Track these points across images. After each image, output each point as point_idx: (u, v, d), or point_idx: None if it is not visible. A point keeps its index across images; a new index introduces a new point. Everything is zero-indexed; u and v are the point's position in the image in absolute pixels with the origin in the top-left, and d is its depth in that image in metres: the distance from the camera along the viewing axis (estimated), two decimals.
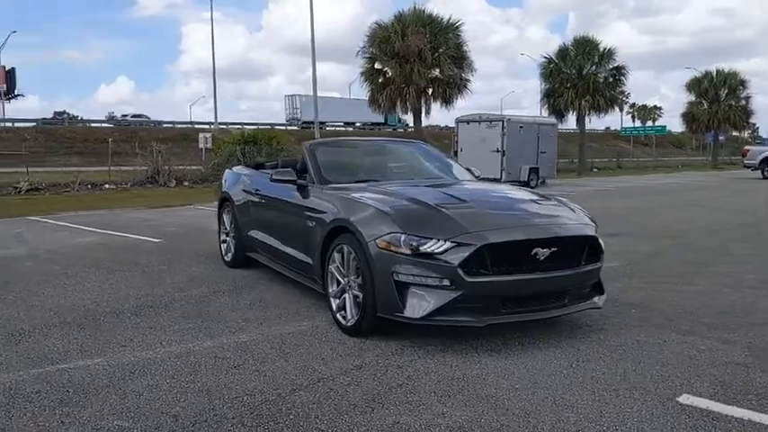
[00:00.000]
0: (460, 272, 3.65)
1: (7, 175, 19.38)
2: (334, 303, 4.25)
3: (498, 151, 19.49)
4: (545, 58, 32.51)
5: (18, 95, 57.94)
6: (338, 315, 4.21)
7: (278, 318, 4.56)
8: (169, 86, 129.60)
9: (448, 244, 3.69)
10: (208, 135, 29.71)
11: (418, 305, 3.72)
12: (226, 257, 6.53)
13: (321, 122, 26.65)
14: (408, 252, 3.72)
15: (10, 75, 55.33)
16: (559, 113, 32.41)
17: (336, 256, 4.22)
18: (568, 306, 4.09)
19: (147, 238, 8.63)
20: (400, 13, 23.23)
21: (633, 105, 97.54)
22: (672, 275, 6.17)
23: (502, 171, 19.41)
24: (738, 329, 4.34)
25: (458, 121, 21.16)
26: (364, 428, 2.80)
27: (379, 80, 23.29)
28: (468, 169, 5.81)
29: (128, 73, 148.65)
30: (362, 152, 5.93)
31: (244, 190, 6.14)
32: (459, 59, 23.30)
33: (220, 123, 47.32)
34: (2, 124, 43.85)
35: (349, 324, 4.09)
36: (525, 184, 19.65)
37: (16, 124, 44.36)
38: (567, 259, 4.01)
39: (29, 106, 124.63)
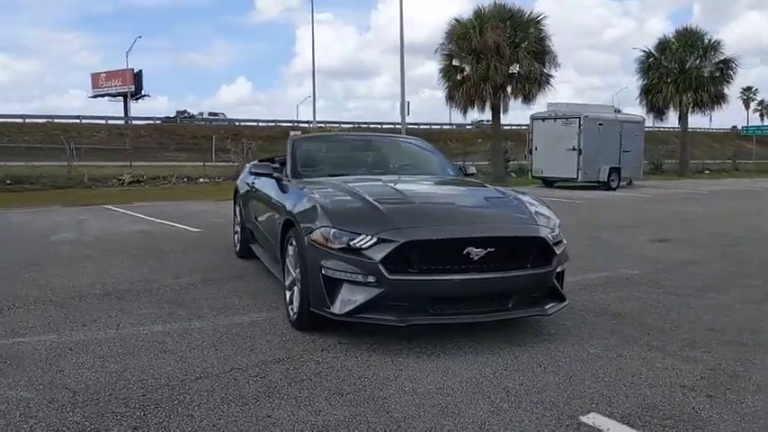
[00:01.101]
0: (382, 268, 3.59)
1: (117, 169, 20.98)
2: (287, 296, 4.32)
3: (574, 150, 18.72)
4: (643, 51, 30.78)
5: (144, 96, 62.78)
6: (289, 308, 4.28)
7: (244, 308, 4.69)
8: (282, 87, 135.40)
9: (374, 240, 3.64)
10: (297, 133, 30.66)
11: (343, 301, 3.70)
12: (236, 248, 6.78)
13: None
14: (336, 247, 3.71)
15: (137, 77, 59.98)
16: (659, 111, 30.62)
17: (289, 249, 4.29)
18: (512, 311, 3.91)
19: (191, 228, 9.10)
20: (480, 8, 22.84)
21: (762, 102, 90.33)
22: (694, 286, 5.72)
23: (578, 171, 18.64)
24: (717, 349, 3.97)
25: (533, 118, 20.54)
26: (233, 419, 2.84)
27: (457, 77, 23.00)
28: (461, 167, 5.71)
29: (246, 74, 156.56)
30: (345, 147, 5.98)
31: (246, 182, 6.35)
32: (541, 54, 22.53)
33: (319, 122, 48.55)
34: (132, 122, 47.40)
35: (294, 318, 4.15)
36: (605, 186, 18.77)
37: (136, 122, 47.71)
38: (509, 261, 3.84)
39: (158, 106, 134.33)
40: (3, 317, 4.38)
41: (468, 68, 22.55)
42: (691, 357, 3.80)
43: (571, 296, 5.14)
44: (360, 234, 3.68)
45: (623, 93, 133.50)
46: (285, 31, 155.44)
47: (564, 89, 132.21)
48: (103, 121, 45.63)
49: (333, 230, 3.76)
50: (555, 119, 19.58)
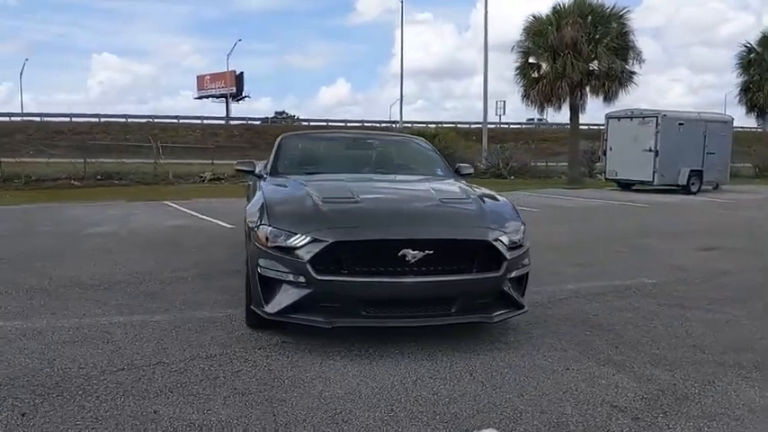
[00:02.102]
0: (310, 268, 3.52)
1: (202, 166, 22.05)
2: (246, 294, 4.34)
3: (650, 151, 17.62)
4: (745, 46, 28.51)
5: (245, 97, 65.66)
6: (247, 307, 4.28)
7: (214, 304, 4.74)
8: (380, 88, 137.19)
9: (307, 239, 3.58)
10: None
11: (275, 301, 3.66)
12: None
13: None
14: (272, 245, 3.68)
15: (239, 79, 62.87)
16: (760, 110, 28.29)
17: (249, 246, 4.30)
18: (455, 316, 3.72)
19: (227, 224, 9.34)
20: (559, 3, 21.95)
21: None
22: (709, 299, 5.23)
23: (654, 173, 17.53)
24: (683, 368, 3.60)
25: (608, 117, 19.54)
26: (117, 413, 2.86)
27: (532, 75, 22.27)
28: (457, 168, 5.52)
29: (345, 75, 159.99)
30: (331, 145, 5.91)
31: (248, 181, 6.45)
32: (623, 50, 21.35)
33: (407, 122, 48.67)
34: (230, 122, 49.72)
35: (246, 316, 4.15)
36: (684, 189, 17.57)
37: (235, 122, 49.86)
38: (451, 264, 3.65)
39: (261, 107, 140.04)
40: (52, 297, 4.73)
41: (544, 66, 21.79)
42: (645, 375, 3.47)
43: (559, 304, 4.89)
44: (296, 233, 3.63)
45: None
46: (384, 31, 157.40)
47: (676, 87, 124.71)
48: (199, 121, 48.04)
49: (270, 229, 3.73)
50: (631, 118, 18.54)
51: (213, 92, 63.93)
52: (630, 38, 21.71)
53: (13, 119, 43.48)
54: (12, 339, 3.85)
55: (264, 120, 56.91)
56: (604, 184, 19.92)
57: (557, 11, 21.84)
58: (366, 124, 53.20)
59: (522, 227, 4.06)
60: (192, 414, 2.87)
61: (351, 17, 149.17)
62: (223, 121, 52.05)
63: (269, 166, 5.13)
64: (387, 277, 3.55)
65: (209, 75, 64.73)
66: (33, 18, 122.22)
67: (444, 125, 56.04)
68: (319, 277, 3.51)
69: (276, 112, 71.90)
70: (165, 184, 18.64)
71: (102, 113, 46.20)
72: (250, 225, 3.95)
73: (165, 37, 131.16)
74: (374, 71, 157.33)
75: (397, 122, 48.08)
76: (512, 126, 52.29)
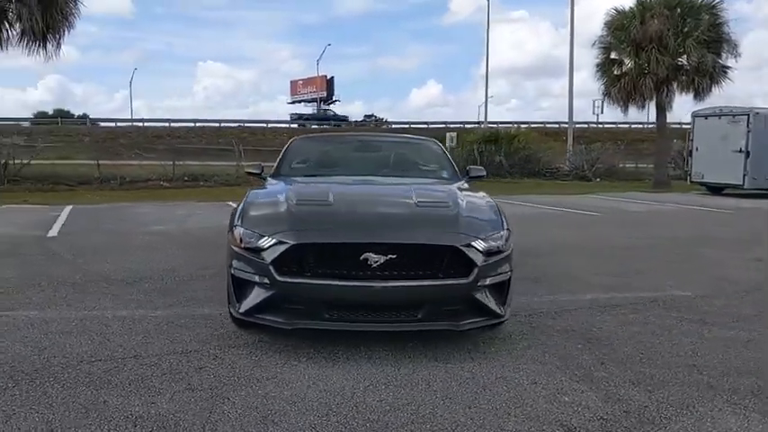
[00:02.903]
0: (273, 270, 3.57)
1: None
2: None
3: (741, 152, 16.38)
4: None
5: (335, 101, 67.42)
6: None
7: (214, 301, 4.75)
8: (472, 88, 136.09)
9: (272, 241, 3.63)
10: (453, 134, 30.72)
11: (246, 301, 3.74)
12: None
13: None
14: (242, 247, 3.76)
15: (329, 83, 64.67)
16: None
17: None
18: (422, 322, 3.65)
19: None
20: None
21: None
22: (738, 315, 4.83)
23: (744, 176, 16.29)
24: (664, 390, 3.36)
25: (694, 115, 18.34)
26: (73, 400, 3.03)
27: (614, 72, 21.29)
28: (467, 170, 5.42)
29: (437, 77, 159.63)
30: (338, 147, 5.94)
31: None
32: (715, 43, 19.97)
33: (490, 122, 48.02)
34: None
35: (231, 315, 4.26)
36: None
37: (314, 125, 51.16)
38: (417, 270, 3.59)
39: (354, 110, 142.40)
40: (18, 293, 5.08)
41: (627, 62, 20.79)
42: (617, 395, 3.26)
43: (565, 315, 4.69)
44: (263, 235, 3.69)
45: None
46: (477, 31, 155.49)
47: None
48: (292, 126, 49.65)
49: (242, 230, 3.82)
50: (720, 116, 17.32)
51: (305, 96, 65.90)
52: (724, 29, 20.31)
53: (119, 124, 46.79)
54: (19, 328, 4.16)
55: (355, 123, 57.87)
56: (690, 188, 18.72)
57: (641, 3, 20.80)
58: (450, 126, 52.74)
59: (503, 233, 3.92)
60: (135, 406, 2.99)
61: (444, 17, 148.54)
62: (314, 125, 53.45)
63: (273, 169, 5.25)
64: (350, 281, 3.54)
65: (302, 80, 66.79)
66: (147, 29, 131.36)
67: (532, 125, 54.76)
68: (282, 279, 3.56)
69: (365, 115, 72.95)
70: (247, 185, 19.38)
71: (201, 119, 48.78)
72: (230, 227, 4.06)
73: (264, 43, 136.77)
74: (466, 72, 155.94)
75: (481, 123, 47.48)
76: (606, 126, 50.15)
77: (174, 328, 4.23)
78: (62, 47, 14.24)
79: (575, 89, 28.77)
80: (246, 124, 47.30)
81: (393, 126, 56.74)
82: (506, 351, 3.89)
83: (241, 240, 3.78)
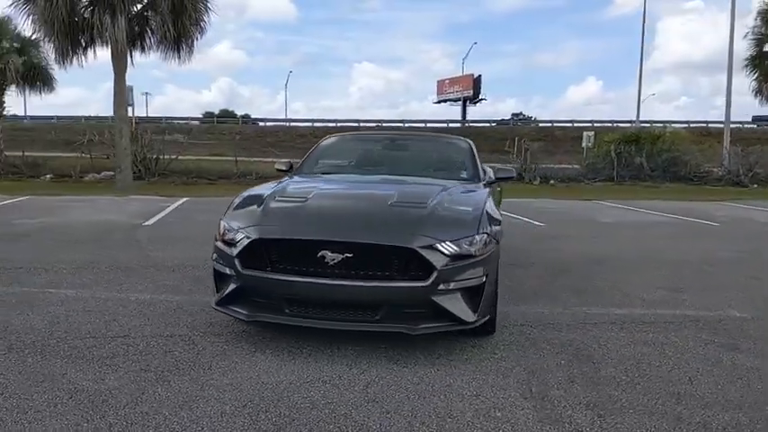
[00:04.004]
0: (237, 263, 3.70)
1: None
2: None
3: None
4: None
5: (481, 99, 67.17)
6: None
7: (202, 290, 5.02)
8: (636, 84, 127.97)
9: (240, 235, 3.77)
10: (590, 134, 29.25)
11: (219, 292, 3.92)
12: None
13: None
14: (220, 239, 3.95)
15: (476, 82, 64.50)
16: None
17: None
18: (379, 324, 3.60)
19: None
20: None
21: None
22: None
23: None
24: (619, 416, 3.05)
25: None
26: (40, 370, 3.38)
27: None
28: (498, 169, 5.25)
29: (596, 73, 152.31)
30: (363, 146, 5.92)
31: None
32: None
33: (643, 122, 45.16)
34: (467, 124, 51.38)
35: None
36: None
37: (451, 125, 51.16)
38: (374, 269, 3.55)
39: (505, 108, 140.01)
40: (74, 273, 5.71)
41: None
42: (557, 417, 3.01)
43: (569, 329, 4.42)
44: (235, 229, 3.86)
45: None
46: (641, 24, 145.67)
47: None
48: (422, 124, 50.07)
49: (224, 223, 4.01)
50: None
51: (451, 95, 66.06)
52: None
53: (268, 123, 50.13)
54: (50, 303, 4.69)
55: (501, 122, 57.04)
56: None
57: None
58: (606, 124, 49.94)
59: (478, 237, 3.74)
60: (86, 381, 3.27)
61: (607, 11, 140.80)
62: (459, 124, 53.46)
63: (298, 166, 5.41)
64: (308, 277, 3.58)
65: (449, 79, 67.01)
66: (308, 33, 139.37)
67: (692, 125, 50.35)
68: (245, 272, 3.69)
69: (513, 114, 71.70)
70: None
71: (343, 119, 50.84)
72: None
73: (416, 43, 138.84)
74: (630, 67, 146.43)
75: (633, 122, 44.59)
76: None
77: (179, 313, 4.53)
78: (194, 52, 15.56)
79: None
80: (384, 123, 48.43)
81: (540, 125, 55.14)
82: (477, 360, 3.73)
83: (222, 233, 3.97)
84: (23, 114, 49.93)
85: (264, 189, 4.48)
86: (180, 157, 22.48)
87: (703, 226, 10.78)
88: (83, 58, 15.04)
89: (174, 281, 5.51)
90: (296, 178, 4.99)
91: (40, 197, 13.18)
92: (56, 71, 21.08)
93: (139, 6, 14.56)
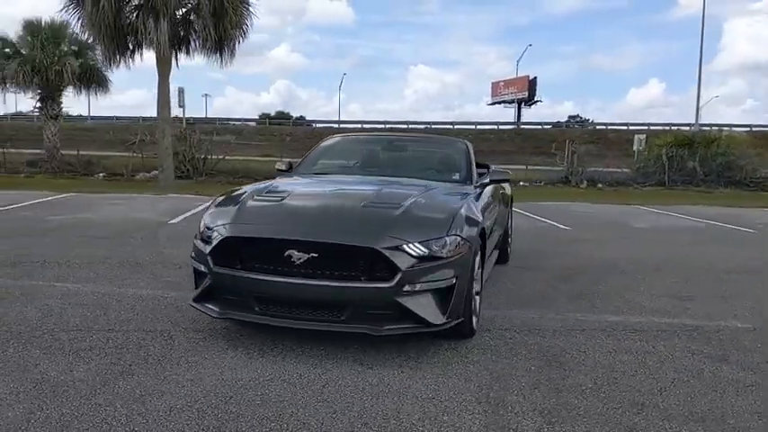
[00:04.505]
0: (209, 260, 3.79)
1: None
2: None
3: None
4: None
5: (537, 101, 66.11)
6: None
7: (184, 287, 5.11)
8: (701, 86, 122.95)
9: (213, 233, 3.86)
10: (642, 137, 28.32)
11: (196, 289, 4.02)
12: None
13: None
14: (199, 237, 4.05)
15: (532, 84, 63.53)
16: None
17: None
18: (345, 324, 3.61)
19: None
20: None
21: None
22: None
23: None
24: (568, 425, 2.98)
25: None
26: (17, 359, 3.55)
27: None
28: (489, 173, 5.16)
29: (659, 75, 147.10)
30: (360, 146, 5.92)
31: None
32: None
33: (703, 125, 43.50)
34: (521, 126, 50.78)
35: None
36: None
37: (501, 127, 50.53)
38: (339, 270, 3.57)
39: (563, 111, 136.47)
40: (84, 268, 5.94)
41: None
42: (504, 423, 2.97)
43: (561, 336, 4.36)
44: (212, 227, 3.95)
45: None
46: (710, 25, 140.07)
47: None
48: (472, 126, 49.66)
49: (203, 221, 4.10)
50: None
51: (506, 97, 65.19)
52: None
53: (317, 125, 50.80)
54: (50, 296, 4.89)
55: (555, 124, 55.94)
56: None
57: None
58: (663, 127, 48.16)
59: (448, 239, 3.70)
60: (54, 371, 3.41)
61: (671, 12, 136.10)
62: (513, 126, 52.74)
63: (296, 166, 5.48)
64: (276, 276, 3.62)
65: (503, 81, 66.19)
66: (364, 36, 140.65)
67: (755, 128, 48.18)
68: (216, 270, 3.77)
69: (569, 117, 70.32)
70: None
71: (393, 120, 51.08)
72: None
73: (472, 46, 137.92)
74: (695, 70, 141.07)
75: (692, 125, 43.02)
76: None
77: (169, 309, 4.65)
78: (235, 54, 15.92)
79: None
80: (433, 126, 48.28)
81: (595, 127, 53.86)
82: (445, 363, 3.69)
83: (200, 231, 4.06)
84: (87, 115, 52.28)
85: (249, 188, 4.55)
86: (228, 158, 23.04)
87: (740, 233, 10.31)
88: (130, 60, 15.62)
89: (176, 277, 5.66)
90: (287, 178, 5.06)
91: (84, 194, 13.75)
92: (112, 73, 21.92)
93: (183, 11, 14.99)
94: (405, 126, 48.74)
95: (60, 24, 20.86)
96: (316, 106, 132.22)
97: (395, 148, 5.79)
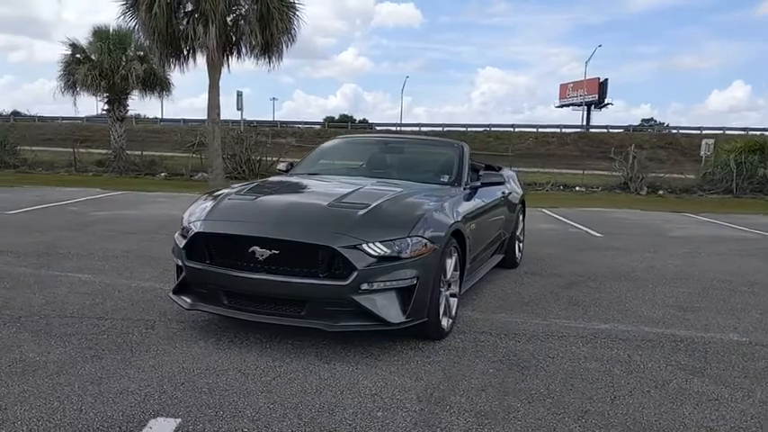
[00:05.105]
0: (184, 254, 3.98)
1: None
2: None
3: None
4: None
5: (607, 104, 64.40)
6: None
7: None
8: None
9: (188, 229, 4.05)
10: (710, 142, 27.11)
11: (175, 282, 4.22)
12: None
13: None
14: (179, 232, 4.25)
15: (602, 86, 61.91)
16: None
17: None
18: (304, 319, 3.71)
19: None
20: None
21: None
22: (761, 373, 3.86)
23: None
24: (496, 424, 2.97)
25: None
26: (6, 339, 3.85)
27: None
28: (479, 176, 5.14)
29: (744, 77, 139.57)
30: (358, 147, 6.00)
31: None
32: None
33: None
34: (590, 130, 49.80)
35: None
36: None
37: (564, 130, 49.34)
38: (299, 266, 3.67)
39: (640, 114, 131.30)
40: (102, 260, 6.28)
41: None
42: (435, 422, 2.99)
43: (536, 341, 4.34)
44: (188, 223, 4.14)
45: None
46: None
47: None
48: (534, 129, 48.75)
49: (184, 218, 4.30)
50: None
51: (574, 100, 63.76)
52: None
53: (378, 128, 51.22)
54: (59, 286, 5.21)
55: (627, 128, 54.06)
56: None
57: None
58: (738, 132, 45.82)
59: (409, 240, 3.74)
60: (33, 353, 3.66)
61: (760, 8, 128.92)
62: (581, 129, 51.44)
63: (295, 167, 5.63)
64: (241, 271, 3.76)
65: (572, 83, 64.80)
66: (432, 39, 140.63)
67: None
68: (188, 264, 3.95)
69: (643, 120, 67.91)
70: None
71: (451, 123, 50.81)
72: None
73: (543, 47, 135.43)
74: None
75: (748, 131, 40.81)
76: None
77: (164, 301, 4.85)
78: (283, 58, 16.32)
79: None
80: (493, 129, 47.68)
81: (667, 131, 51.82)
82: (403, 362, 3.73)
83: (182, 227, 4.25)
84: (160, 117, 54.72)
85: (234, 187, 4.72)
86: (284, 159, 23.61)
87: (758, 240, 9.77)
88: (184, 65, 16.27)
89: (170, 272, 5.88)
90: (279, 177, 5.21)
91: (134, 192, 14.43)
92: (170, 76, 22.87)
93: (232, 17, 15.50)
94: (463, 129, 48.36)
95: (127, 31, 21.88)
96: (382, 109, 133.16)
97: (390, 150, 5.84)
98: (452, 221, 4.19)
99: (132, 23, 15.41)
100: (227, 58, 16.25)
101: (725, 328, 4.74)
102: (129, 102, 23.99)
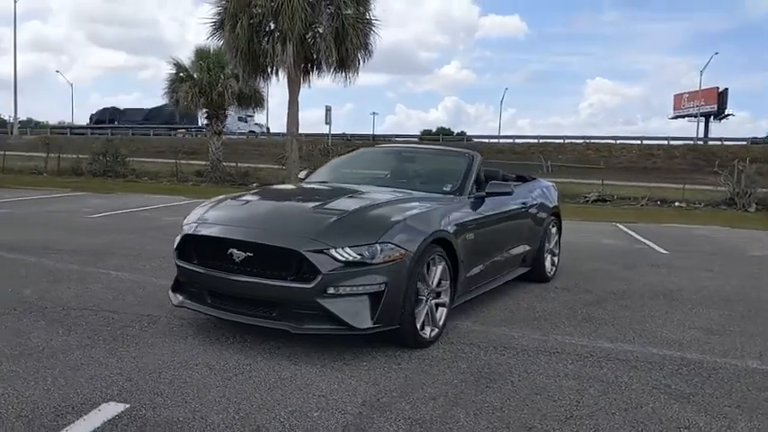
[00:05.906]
0: (176, 254, 4.23)
1: (605, 187, 22.19)
2: None
3: None
4: None
5: (728, 115, 60.41)
6: None
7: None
8: None
9: (185, 231, 4.30)
10: None
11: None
12: None
13: None
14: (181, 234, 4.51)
15: (722, 96, 58.23)
16: None
17: None
18: (274, 320, 3.84)
19: None
20: None
21: None
22: (753, 401, 3.54)
23: None
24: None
25: None
26: (19, 326, 4.23)
27: None
28: (487, 186, 5.06)
29: None
30: (369, 158, 6.01)
31: None
32: None
33: None
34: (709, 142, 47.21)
35: None
36: None
37: (672, 142, 46.62)
38: (269, 269, 3.80)
39: (764, 126, 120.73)
40: (132, 258, 6.74)
41: None
42: (361, 426, 3.00)
43: (525, 355, 4.22)
44: (184, 225, 4.40)
45: None
46: None
47: None
48: (638, 141, 46.44)
49: (185, 218, 4.57)
50: None
51: (690, 110, 60.20)
52: None
53: (473, 140, 50.90)
54: (94, 281, 5.65)
55: (753, 140, 50.07)
56: None
57: None
58: None
59: (381, 246, 3.78)
60: (39, 339, 4.00)
61: None
62: (691, 141, 48.51)
63: (311, 174, 5.79)
64: (220, 272, 3.96)
65: (687, 93, 61.26)
66: (537, 50, 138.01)
67: None
68: (179, 263, 4.20)
69: None
70: None
71: (546, 135, 49.42)
72: None
73: (659, 56, 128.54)
74: None
75: None
76: None
77: (150, 296, 5.13)
78: (359, 73, 16.74)
79: None
80: (591, 140, 45.81)
81: None
82: (369, 368, 3.75)
83: (182, 227, 4.52)
84: (264, 131, 57.41)
85: (241, 193, 4.95)
86: None
87: None
88: (268, 81, 17.10)
89: (131, 270, 6.19)
90: (288, 185, 5.40)
91: None
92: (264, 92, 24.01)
93: (310, 34, 16.11)
94: (561, 141, 46.87)
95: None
96: (484, 121, 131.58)
97: (403, 160, 5.89)
98: (435, 229, 4.15)
99: (220, 43, 16.36)
100: (307, 74, 16.86)
101: (748, 354, 4.36)
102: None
